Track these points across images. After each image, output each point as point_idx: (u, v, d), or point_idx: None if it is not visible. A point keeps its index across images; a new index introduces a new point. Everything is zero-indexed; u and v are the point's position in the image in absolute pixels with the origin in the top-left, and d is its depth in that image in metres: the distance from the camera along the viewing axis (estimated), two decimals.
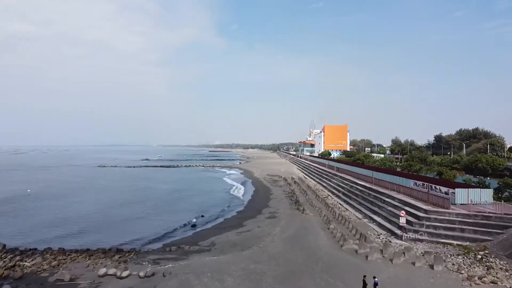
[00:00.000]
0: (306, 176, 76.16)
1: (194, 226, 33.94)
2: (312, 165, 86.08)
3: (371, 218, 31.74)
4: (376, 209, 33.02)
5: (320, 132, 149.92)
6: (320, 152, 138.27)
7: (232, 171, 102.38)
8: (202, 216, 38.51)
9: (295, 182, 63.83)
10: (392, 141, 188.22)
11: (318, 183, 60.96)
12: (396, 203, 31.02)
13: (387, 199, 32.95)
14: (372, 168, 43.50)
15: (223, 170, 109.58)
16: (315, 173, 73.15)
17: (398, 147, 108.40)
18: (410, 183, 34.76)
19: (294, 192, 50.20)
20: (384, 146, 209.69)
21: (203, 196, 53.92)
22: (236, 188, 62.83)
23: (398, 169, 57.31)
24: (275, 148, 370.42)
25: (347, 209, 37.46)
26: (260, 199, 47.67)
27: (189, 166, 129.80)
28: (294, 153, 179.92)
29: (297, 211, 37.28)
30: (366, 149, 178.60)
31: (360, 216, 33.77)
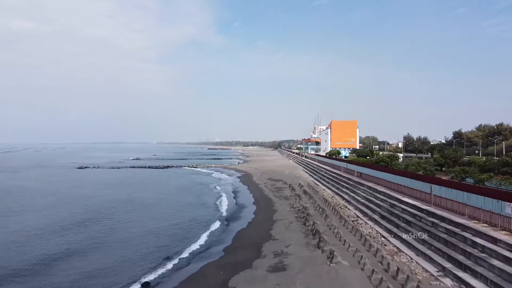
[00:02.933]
0: (317, 182, 61.96)
1: (146, 285, 19.82)
2: (321, 168, 71.92)
3: (460, 280, 17.56)
4: (462, 258, 18.81)
5: (327, 128, 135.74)
6: (327, 151, 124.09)
7: (227, 175, 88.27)
8: (167, 258, 24.35)
9: (304, 192, 49.68)
10: (404, 138, 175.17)
11: (336, 193, 46.75)
12: (509, 255, 16.86)
13: (482, 243, 18.76)
14: (429, 180, 29.18)
15: (217, 172, 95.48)
16: (328, 178, 58.95)
17: (423, 145, 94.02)
18: (507, 208, 20.75)
19: (307, 211, 35.96)
20: (390, 143, 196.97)
21: (180, 215, 39.57)
22: (228, 201, 48.57)
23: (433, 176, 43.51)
24: (276, 145, 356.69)
25: (399, 250, 23.27)
26: (260, 223, 33.54)
27: (181, 166, 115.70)
28: (297, 151, 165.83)
29: (319, 252, 23.14)
30: (374, 146, 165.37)
31: (431, 269, 19.56)
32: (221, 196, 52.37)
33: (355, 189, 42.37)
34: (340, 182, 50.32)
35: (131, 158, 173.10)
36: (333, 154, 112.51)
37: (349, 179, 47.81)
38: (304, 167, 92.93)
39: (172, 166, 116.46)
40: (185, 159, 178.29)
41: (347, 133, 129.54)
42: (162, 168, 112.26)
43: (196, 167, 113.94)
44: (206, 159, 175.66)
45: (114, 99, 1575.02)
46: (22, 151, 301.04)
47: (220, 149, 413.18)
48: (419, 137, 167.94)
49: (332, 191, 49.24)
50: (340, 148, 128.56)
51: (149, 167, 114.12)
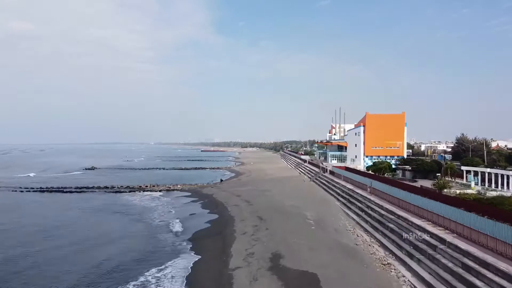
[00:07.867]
0: None
1: None
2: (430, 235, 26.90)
3: None
4: None
5: (357, 126, 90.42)
6: (367, 164, 79.29)
7: (196, 210, 43.50)
8: None
9: None
10: (458, 139, 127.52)
11: None
12: None
13: None
14: None
15: (178, 214, 50.80)
16: None
17: None
18: None
19: None
20: (415, 147, 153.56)
21: None
22: None
23: None
24: (277, 147, 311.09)
25: None
26: None
27: (133, 190, 70.40)
28: (309, 158, 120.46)
29: None
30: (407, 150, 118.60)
31: None
32: None
33: None
34: None
35: (84, 168, 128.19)
36: (380, 169, 67.57)
37: None
38: (342, 202, 47.88)
39: (112, 190, 71.47)
40: (160, 168, 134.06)
41: (391, 134, 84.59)
42: (87, 192, 67.39)
43: (159, 191, 68.90)
44: (185, 168, 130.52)
45: (113, 99, 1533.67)
46: None
47: (216, 151, 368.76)
48: (475, 138, 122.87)
49: None
50: (379, 156, 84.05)
51: (68, 191, 68.80)
